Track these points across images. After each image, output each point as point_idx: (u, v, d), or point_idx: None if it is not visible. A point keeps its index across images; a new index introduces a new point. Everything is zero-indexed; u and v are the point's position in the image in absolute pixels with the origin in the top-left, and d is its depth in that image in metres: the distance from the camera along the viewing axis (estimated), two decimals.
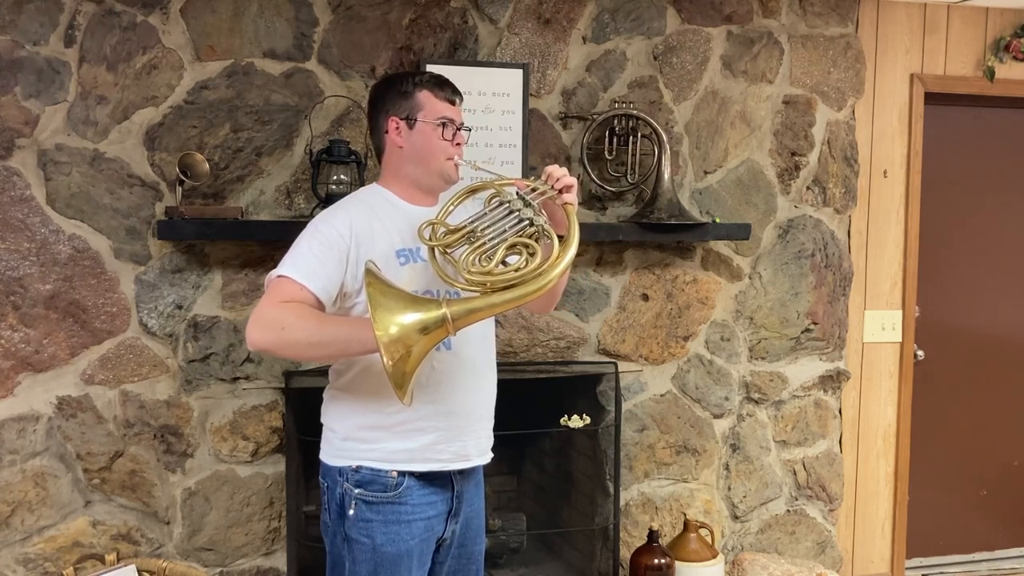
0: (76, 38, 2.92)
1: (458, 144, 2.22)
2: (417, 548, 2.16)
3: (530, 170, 3.29)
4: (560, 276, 1.96)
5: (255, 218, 3.08)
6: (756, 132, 3.58)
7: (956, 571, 4.14)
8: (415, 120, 2.19)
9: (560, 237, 2.01)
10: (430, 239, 2.06)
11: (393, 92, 2.23)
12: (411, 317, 1.89)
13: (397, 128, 2.20)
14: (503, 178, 2.14)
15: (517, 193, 2.06)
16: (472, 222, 2.04)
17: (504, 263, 1.97)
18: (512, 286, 1.93)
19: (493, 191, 2.10)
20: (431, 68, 3.07)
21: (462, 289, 1.99)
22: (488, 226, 2.02)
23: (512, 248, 1.98)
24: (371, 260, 2.05)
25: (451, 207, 2.14)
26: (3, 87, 2.87)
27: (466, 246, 2.02)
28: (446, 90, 2.23)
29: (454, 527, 2.25)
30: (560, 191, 2.08)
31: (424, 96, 2.20)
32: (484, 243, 1.99)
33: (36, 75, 2.89)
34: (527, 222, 2.00)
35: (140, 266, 3.01)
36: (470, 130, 2.30)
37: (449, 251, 2.05)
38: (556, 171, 2.09)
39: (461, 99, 2.26)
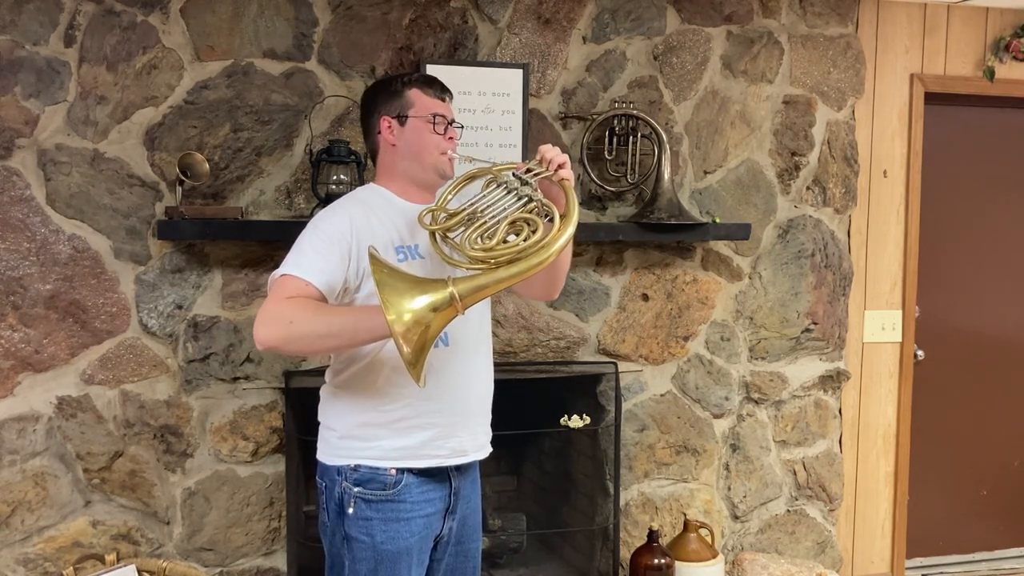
0: (76, 38, 2.92)
1: (451, 138, 2.24)
2: (416, 546, 2.17)
3: None
4: (563, 248, 1.96)
5: (255, 218, 3.08)
6: (756, 132, 3.58)
7: (956, 571, 4.14)
8: (406, 117, 2.21)
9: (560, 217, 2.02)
10: (431, 224, 2.07)
11: (384, 93, 2.26)
12: (420, 300, 1.88)
13: (389, 126, 2.22)
14: (498, 164, 2.16)
15: (514, 174, 2.07)
16: (471, 204, 2.05)
17: (505, 241, 1.97)
18: (516, 260, 1.92)
19: (490, 176, 2.12)
20: (431, 68, 3.08)
21: (466, 268, 1.98)
22: (488, 207, 2.03)
23: (513, 225, 1.98)
24: (372, 246, 2.05)
25: (449, 195, 2.15)
26: (3, 87, 2.87)
27: (467, 228, 2.02)
28: (435, 87, 2.26)
29: (451, 524, 2.25)
30: (556, 168, 2.09)
31: (414, 94, 2.23)
32: (485, 222, 2.00)
33: (36, 75, 2.89)
34: (526, 199, 2.01)
35: (140, 266, 3.01)
36: (462, 127, 2.32)
37: (450, 235, 2.06)
38: (549, 151, 2.11)
39: (451, 97, 2.29)
